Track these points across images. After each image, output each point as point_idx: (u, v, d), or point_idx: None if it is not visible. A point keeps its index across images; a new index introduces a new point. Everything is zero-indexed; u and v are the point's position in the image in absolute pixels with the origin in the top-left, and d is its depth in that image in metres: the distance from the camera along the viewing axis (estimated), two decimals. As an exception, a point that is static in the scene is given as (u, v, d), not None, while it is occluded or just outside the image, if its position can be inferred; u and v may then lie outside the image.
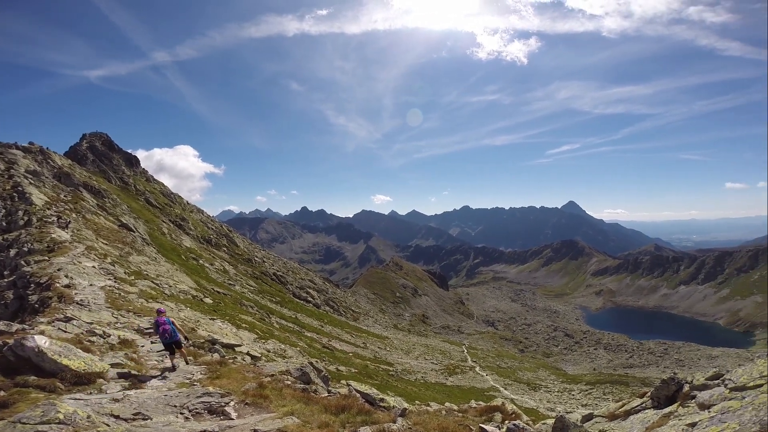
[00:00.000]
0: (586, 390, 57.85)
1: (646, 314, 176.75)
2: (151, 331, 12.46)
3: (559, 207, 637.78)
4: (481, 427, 8.62)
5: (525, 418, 11.69)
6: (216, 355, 14.94)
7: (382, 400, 11.18)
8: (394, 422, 7.94)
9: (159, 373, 10.74)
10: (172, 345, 11.28)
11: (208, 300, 37.07)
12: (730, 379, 6.95)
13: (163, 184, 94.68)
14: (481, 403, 14.84)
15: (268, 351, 28.06)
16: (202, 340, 17.80)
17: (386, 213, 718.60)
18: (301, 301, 77.92)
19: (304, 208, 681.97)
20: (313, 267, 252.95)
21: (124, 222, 50.48)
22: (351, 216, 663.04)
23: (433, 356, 68.55)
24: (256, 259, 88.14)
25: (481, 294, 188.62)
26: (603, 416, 10.01)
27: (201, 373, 11.09)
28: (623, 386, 58.46)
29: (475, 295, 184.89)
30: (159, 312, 11.58)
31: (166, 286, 32.48)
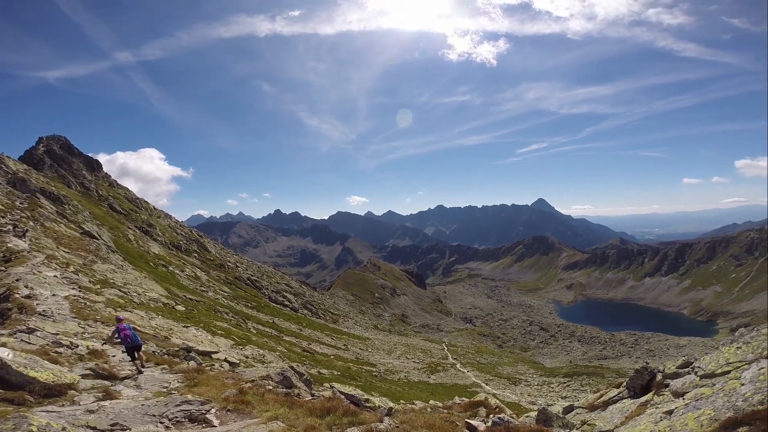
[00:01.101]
0: (564, 382, 59.24)
1: (615, 306, 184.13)
2: (113, 338, 12.26)
3: (530, 204, 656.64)
4: (467, 422, 8.73)
5: (508, 411, 11.90)
6: (192, 363, 14.48)
7: (367, 400, 11.21)
8: (381, 422, 7.99)
9: (134, 383, 10.35)
10: (134, 349, 11.56)
11: (180, 307, 35.54)
12: (699, 367, 7.23)
13: (127, 189, 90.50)
14: (464, 399, 15.33)
15: (247, 357, 27.19)
16: (176, 348, 17.15)
17: (362, 214, 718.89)
18: (278, 306, 76.19)
19: (278, 211, 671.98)
20: (289, 270, 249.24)
21: (87, 229, 47.65)
22: (326, 218, 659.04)
23: (414, 355, 68.52)
24: (228, 264, 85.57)
25: (458, 292, 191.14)
26: (583, 407, 10.38)
27: (178, 382, 10.79)
28: (599, 377, 60.23)
29: (452, 292, 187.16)
30: (118, 320, 11.98)
31: (135, 294, 30.85)
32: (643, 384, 9.09)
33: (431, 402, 15.00)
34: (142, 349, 12.07)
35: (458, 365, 65.57)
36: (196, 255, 79.25)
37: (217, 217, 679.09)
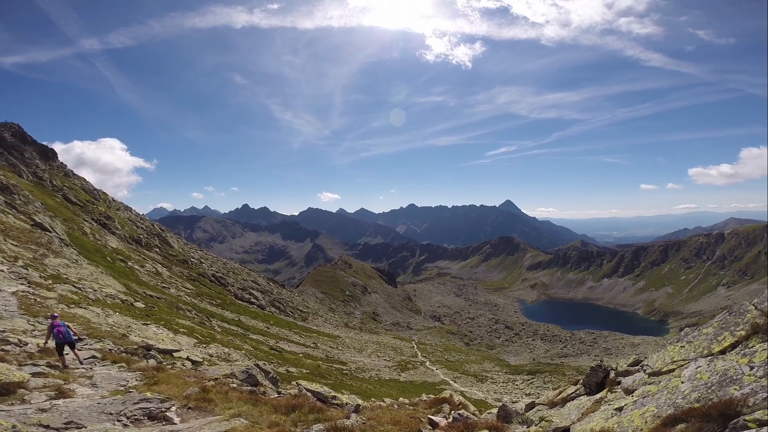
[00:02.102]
0: (528, 379, 61.26)
1: (575, 305, 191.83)
2: (49, 335, 12.22)
3: (497, 205, 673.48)
4: (429, 418, 8.95)
5: (472, 408, 12.27)
6: (152, 361, 14.18)
7: (334, 397, 11.26)
8: (348, 418, 8.02)
9: (89, 382, 10.13)
10: (65, 345, 11.85)
11: (139, 304, 34.14)
12: (647, 365, 7.54)
13: (84, 180, 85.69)
14: (431, 396, 15.51)
15: (211, 355, 26.54)
16: (135, 346, 16.56)
17: (334, 211, 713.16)
18: (245, 303, 74.49)
19: (246, 206, 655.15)
20: (257, 267, 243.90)
21: (38, 221, 44.77)
22: (297, 214, 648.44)
23: (385, 353, 68.89)
24: (192, 260, 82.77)
25: (427, 290, 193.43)
26: (543, 404, 10.80)
27: (136, 380, 10.61)
28: (560, 375, 62.66)
29: (422, 291, 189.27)
30: (53, 317, 12.24)
31: (90, 290, 29.37)
32: (598, 381, 9.51)
33: (400, 399, 15.23)
34: (76, 347, 12.43)
35: (428, 363, 66.48)
36: (157, 250, 76.14)
37: (182, 210, 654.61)
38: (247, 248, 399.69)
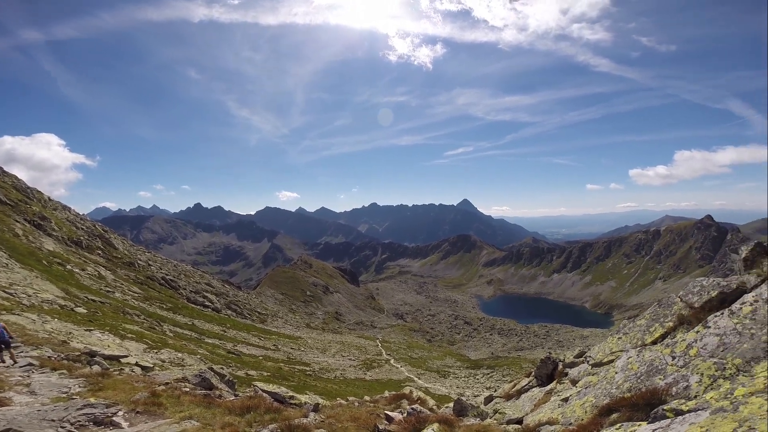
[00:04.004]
0: (488, 373, 63.36)
1: (529, 300, 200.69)
2: None
3: (455, 204, 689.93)
4: (386, 414, 9.14)
5: (431, 403, 12.51)
6: (96, 368, 13.42)
7: (292, 397, 11.22)
8: (306, 417, 8.06)
9: (27, 389, 9.62)
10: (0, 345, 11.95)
11: (81, 309, 31.94)
12: (590, 356, 8.05)
13: (16, 177, 78.26)
14: (393, 392, 15.55)
15: (163, 361, 25.32)
16: (77, 353, 15.63)
17: (293, 210, 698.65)
18: (198, 307, 71.36)
19: (198, 205, 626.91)
20: (210, 269, 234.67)
21: (-40, 220, 40.38)
22: (253, 213, 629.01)
23: (349, 352, 68.63)
24: (139, 262, 78.11)
25: (389, 288, 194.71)
26: (500, 397, 11.29)
27: (79, 386, 10.13)
28: (518, 368, 65.31)
29: (385, 289, 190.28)
30: None
31: (24, 295, 27.09)
32: (548, 373, 10.01)
33: (365, 398, 15.22)
34: (11, 346, 12.45)
35: (392, 361, 67.00)
36: (100, 252, 71.10)
37: (127, 210, 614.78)
38: (200, 249, 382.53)
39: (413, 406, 9.47)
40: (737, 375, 4.20)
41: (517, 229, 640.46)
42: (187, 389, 10.63)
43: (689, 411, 3.90)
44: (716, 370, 4.44)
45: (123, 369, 15.25)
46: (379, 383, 47.92)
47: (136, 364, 17.17)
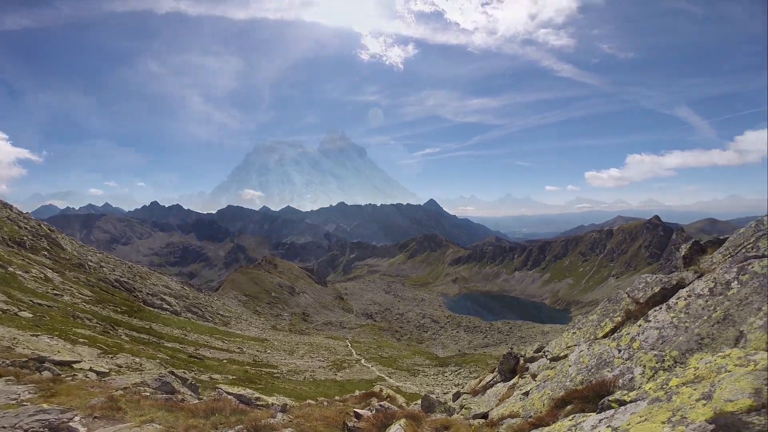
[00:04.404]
0: (456, 370, 64.65)
1: (492, 297, 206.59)
2: None
3: (422, 204, 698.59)
4: (355, 411, 9.26)
5: (401, 400, 12.67)
6: (47, 373, 12.67)
7: (258, 399, 11.06)
8: (274, 417, 7.99)
9: None
10: None
11: (26, 314, 29.86)
12: (548, 351, 8.44)
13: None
14: (364, 391, 15.64)
15: (119, 366, 24.25)
16: (24, 359, 14.66)
17: (257, 209, 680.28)
18: (156, 310, 68.26)
19: (155, 203, 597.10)
20: (168, 270, 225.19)
21: None
22: (214, 212, 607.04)
23: (318, 354, 67.88)
24: (90, 263, 73.66)
25: (358, 288, 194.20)
26: (467, 393, 11.56)
27: (30, 393, 9.57)
28: (484, 364, 66.99)
29: (353, 289, 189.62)
30: None
31: (-41, 302, 24.80)
32: (511, 368, 10.38)
33: (336, 397, 15.29)
34: None
35: (363, 361, 66.89)
36: (46, 253, 66.42)
37: (77, 208, 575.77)
38: (157, 250, 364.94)
39: (382, 403, 9.62)
40: (674, 366, 4.58)
41: (481, 228, 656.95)
42: (147, 393, 10.27)
43: (631, 401, 4.17)
44: (657, 362, 4.82)
45: (76, 375, 14.49)
46: (350, 383, 47.78)
47: (90, 370, 16.34)
